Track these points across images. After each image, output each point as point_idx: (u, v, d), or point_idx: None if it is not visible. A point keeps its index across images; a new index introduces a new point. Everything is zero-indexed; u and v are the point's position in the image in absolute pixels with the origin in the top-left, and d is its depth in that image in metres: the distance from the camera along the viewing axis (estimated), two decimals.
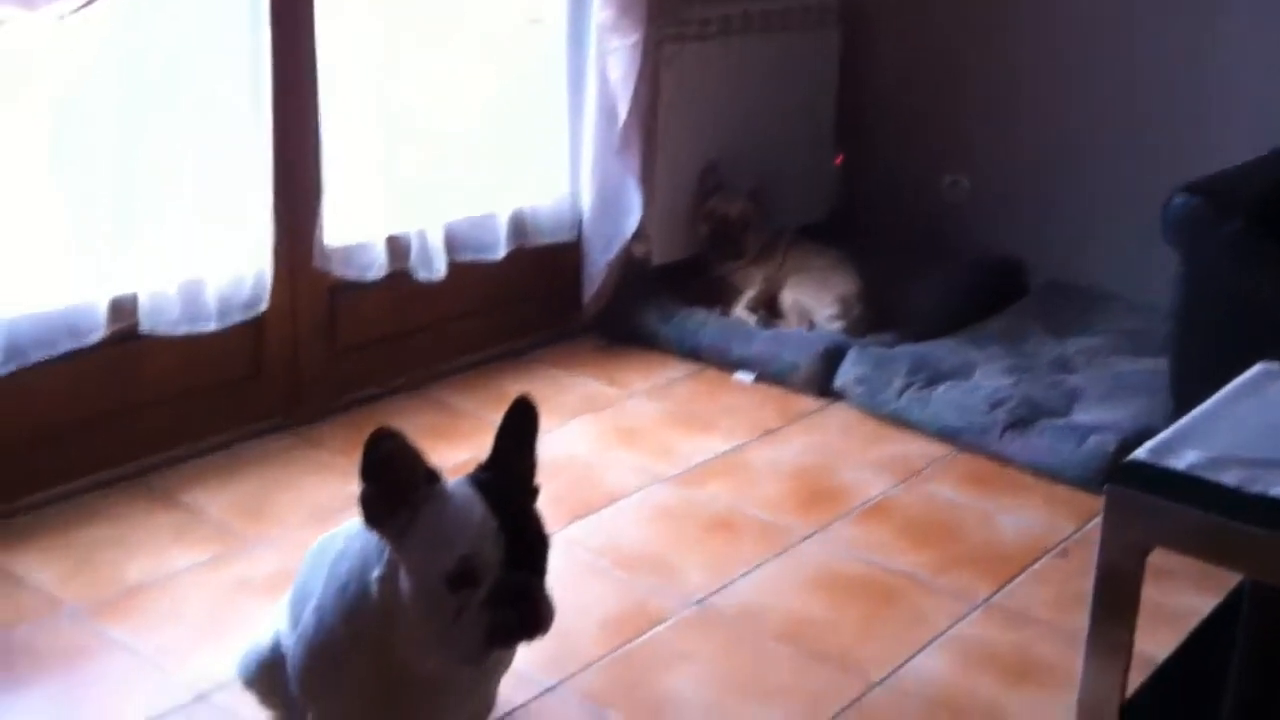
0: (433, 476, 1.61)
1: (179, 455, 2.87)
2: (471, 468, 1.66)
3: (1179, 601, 2.46)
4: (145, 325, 2.72)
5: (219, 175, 2.79)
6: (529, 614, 1.58)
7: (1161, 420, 2.68)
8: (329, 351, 3.14)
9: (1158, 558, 1.77)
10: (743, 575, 2.55)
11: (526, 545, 1.60)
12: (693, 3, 3.70)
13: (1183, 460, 1.87)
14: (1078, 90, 3.89)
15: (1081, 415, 3.10)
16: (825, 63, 4.18)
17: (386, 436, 1.58)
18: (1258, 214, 2.79)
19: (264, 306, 2.90)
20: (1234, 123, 3.59)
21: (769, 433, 3.19)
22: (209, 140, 2.76)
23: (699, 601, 2.46)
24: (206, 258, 2.80)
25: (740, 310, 3.68)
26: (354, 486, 1.58)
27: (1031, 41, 3.96)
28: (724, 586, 2.51)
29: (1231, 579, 2.23)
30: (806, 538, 2.70)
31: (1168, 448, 1.91)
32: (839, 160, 4.30)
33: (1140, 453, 1.92)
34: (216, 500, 2.72)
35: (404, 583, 1.60)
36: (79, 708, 2.09)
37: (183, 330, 2.77)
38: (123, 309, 2.71)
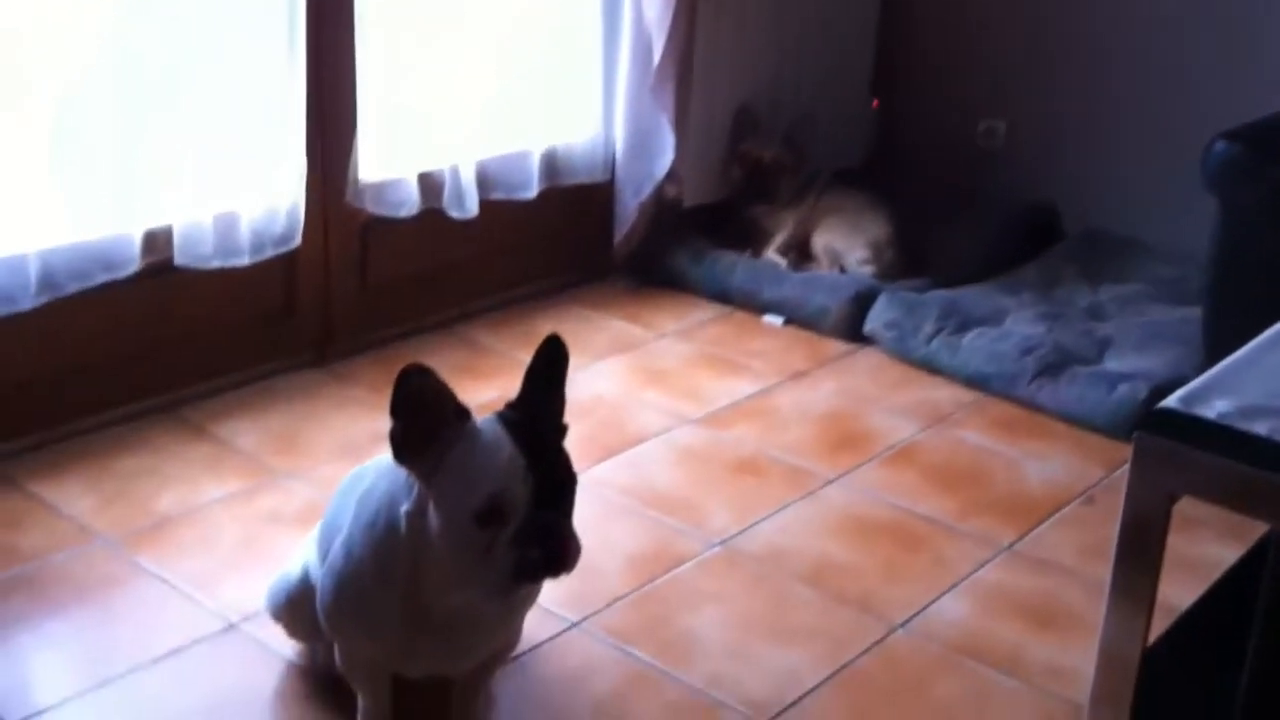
0: (462, 414, 1.63)
1: (212, 388, 2.90)
2: (500, 406, 1.67)
3: (1205, 551, 2.46)
4: (179, 258, 2.74)
5: (254, 109, 2.79)
6: (555, 551, 1.60)
7: (1193, 369, 2.66)
8: (360, 288, 3.15)
9: (1185, 506, 1.77)
10: (767, 517, 2.56)
11: (554, 484, 1.61)
12: None
13: (1213, 409, 1.86)
14: (1117, 36, 3.83)
15: (1113, 363, 3.08)
16: (864, 5, 4.13)
17: (417, 373, 1.59)
18: None
19: (297, 242, 2.91)
20: (1271, 70, 3.53)
21: (797, 376, 3.19)
22: (244, 73, 2.76)
23: (723, 542, 2.47)
24: (241, 192, 2.81)
25: (771, 253, 3.67)
26: (384, 422, 1.60)
27: None
28: (749, 528, 2.52)
29: (1258, 529, 2.23)
30: (832, 481, 2.71)
31: (1198, 396, 1.90)
32: (875, 104, 4.26)
33: (1170, 401, 1.91)
34: (248, 433, 2.75)
35: (432, 519, 1.62)
36: (111, 635, 2.12)
37: (216, 264, 2.78)
38: (157, 241, 2.72)
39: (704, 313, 3.52)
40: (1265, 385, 1.94)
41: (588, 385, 3.03)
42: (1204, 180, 2.85)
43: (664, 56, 3.42)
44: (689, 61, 3.55)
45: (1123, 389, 2.91)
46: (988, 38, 4.08)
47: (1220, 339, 2.73)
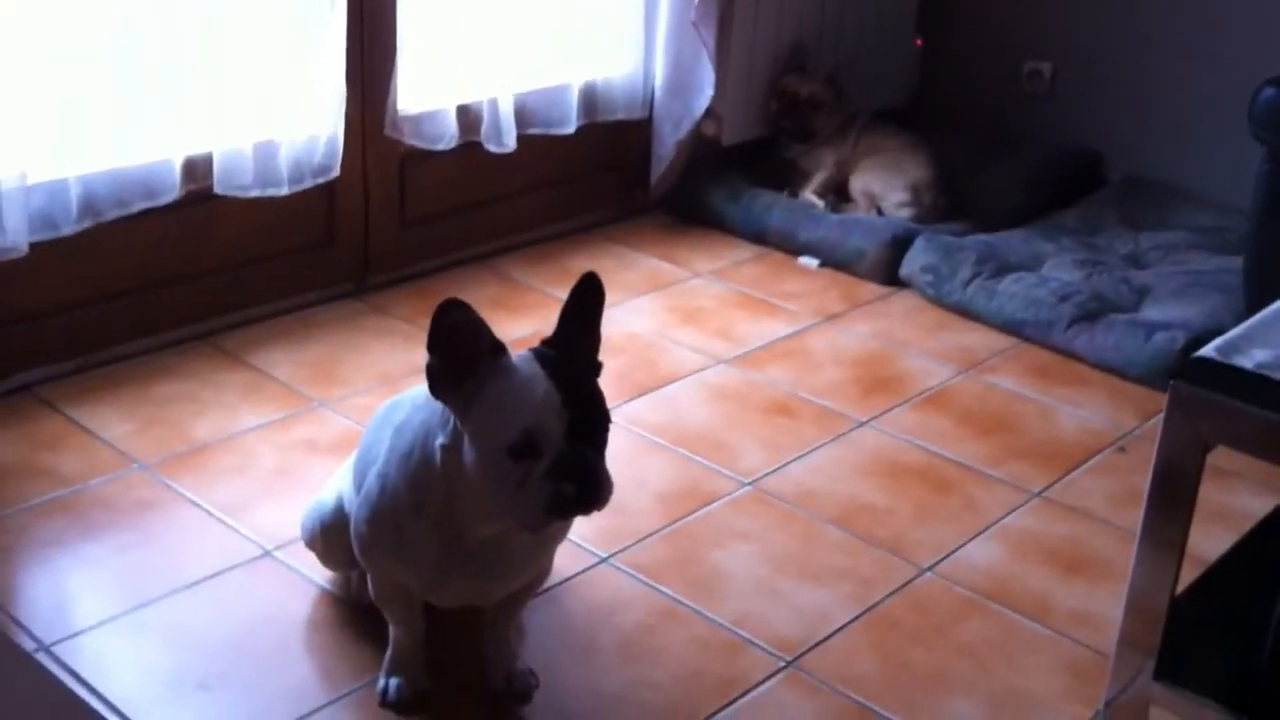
0: (498, 349, 1.63)
1: (250, 317, 2.92)
2: (535, 341, 1.68)
3: (1237, 501, 2.45)
4: (219, 187, 2.75)
5: (295, 38, 2.78)
6: (589, 487, 1.61)
7: (1233, 320, 2.64)
8: (399, 220, 3.16)
9: (1218, 457, 1.76)
10: (798, 458, 2.57)
11: (588, 420, 1.62)
12: None
13: (1250, 359, 1.84)
14: None
15: (1151, 312, 3.06)
16: None
17: (454, 307, 1.59)
18: None
19: (336, 172, 2.91)
20: None
21: (832, 318, 3.18)
22: (284, 2, 2.75)
23: (754, 482, 2.48)
24: (281, 121, 2.81)
25: (809, 194, 3.65)
26: (420, 353, 1.61)
27: None
28: (779, 468, 2.53)
29: None
30: (864, 424, 2.71)
31: (1236, 346, 1.88)
32: (919, 43, 4.20)
33: (1207, 350, 1.89)
34: (285, 362, 2.78)
35: (467, 452, 1.63)
36: (147, 559, 2.16)
37: (254, 193, 2.79)
38: (197, 170, 2.73)
39: (740, 253, 3.51)
40: None
41: (622, 323, 3.04)
42: (1251, 127, 2.81)
43: None
44: None
45: (1160, 337, 2.89)
46: None
47: (1261, 289, 2.71)
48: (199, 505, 2.30)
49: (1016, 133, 3.98)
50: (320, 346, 2.85)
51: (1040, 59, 4.05)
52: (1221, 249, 3.34)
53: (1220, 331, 2.07)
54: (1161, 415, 1.79)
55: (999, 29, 4.10)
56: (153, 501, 2.30)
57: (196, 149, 2.72)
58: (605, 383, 1.69)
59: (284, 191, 2.82)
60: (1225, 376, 1.82)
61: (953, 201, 3.62)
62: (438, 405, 1.67)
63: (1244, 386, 1.80)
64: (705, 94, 3.53)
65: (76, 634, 1.98)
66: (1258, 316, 1.99)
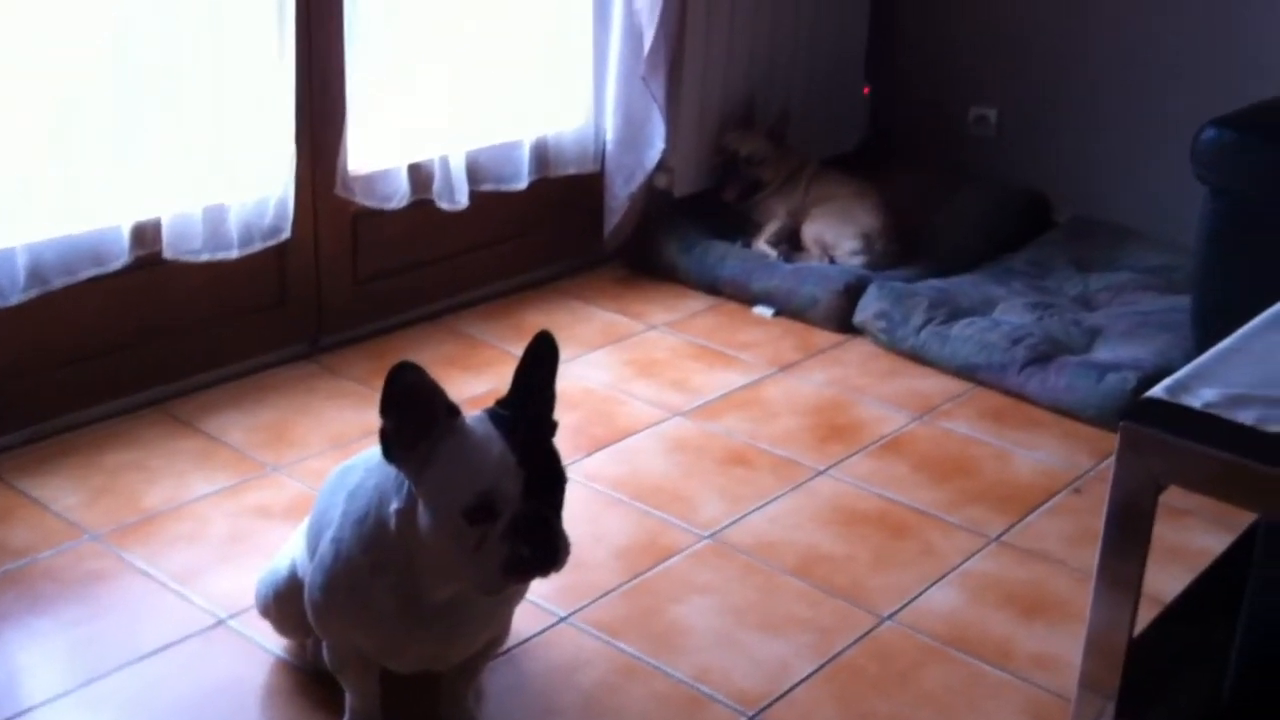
0: (452, 410, 1.63)
1: (201, 382, 2.89)
2: (491, 399, 1.68)
3: (1192, 540, 2.47)
4: (168, 251, 2.73)
5: (243, 99, 2.78)
6: (545, 548, 1.60)
7: (1183, 358, 2.66)
8: (351, 280, 3.15)
9: (1171, 496, 1.77)
10: (757, 509, 2.56)
11: (544, 480, 1.62)
12: None
13: (1199, 398, 1.86)
14: (1106, 24, 3.83)
15: (1102, 353, 3.08)
16: None
17: (407, 370, 1.59)
18: None
19: (286, 234, 2.90)
20: (1262, 57, 3.53)
21: (787, 367, 3.19)
22: (234, 64, 2.75)
23: (713, 534, 2.47)
24: (230, 184, 2.80)
25: (762, 243, 3.67)
26: (374, 415, 1.60)
27: None
28: (738, 520, 2.52)
29: (1245, 518, 2.23)
30: (822, 472, 2.71)
31: (1184, 385, 1.90)
32: (866, 92, 4.25)
33: (1156, 390, 1.91)
34: (237, 427, 2.75)
35: (422, 516, 1.62)
36: (99, 632, 2.12)
37: (205, 257, 2.78)
38: (145, 235, 2.71)
39: (695, 303, 3.52)
40: (1251, 374, 1.94)
41: (578, 377, 3.03)
42: (1194, 167, 2.85)
43: (655, 45, 3.41)
44: (680, 50, 3.55)
45: (1111, 378, 2.91)
46: (978, 26, 4.07)
47: (1209, 327, 2.74)
48: (151, 575, 2.26)
49: (965, 176, 4.02)
50: (273, 410, 2.83)
51: (986, 104, 4.11)
52: (1170, 288, 3.37)
53: (1171, 371, 2.08)
54: (1114, 456, 1.81)
55: (945, 76, 4.16)
56: (104, 573, 2.27)
57: (145, 214, 2.71)
58: (562, 438, 1.68)
59: (234, 255, 2.81)
60: (1174, 416, 1.84)
61: (904, 247, 3.64)
62: (391, 469, 1.66)
63: (1193, 426, 1.82)
64: (656, 147, 3.55)
65: (27, 710, 1.94)
66: (1205, 356, 2.02)
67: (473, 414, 1.65)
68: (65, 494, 2.48)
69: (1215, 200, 2.85)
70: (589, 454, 2.72)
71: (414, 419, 1.60)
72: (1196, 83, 3.64)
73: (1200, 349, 2.11)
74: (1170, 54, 3.73)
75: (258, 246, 2.86)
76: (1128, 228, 3.79)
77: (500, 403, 1.68)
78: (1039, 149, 4.01)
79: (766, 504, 2.58)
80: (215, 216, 2.78)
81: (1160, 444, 1.81)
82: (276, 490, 2.53)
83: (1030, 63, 4.00)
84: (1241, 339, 2.06)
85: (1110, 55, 3.84)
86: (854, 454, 2.79)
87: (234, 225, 2.81)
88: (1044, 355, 3.04)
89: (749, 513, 2.55)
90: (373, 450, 1.71)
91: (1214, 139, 2.80)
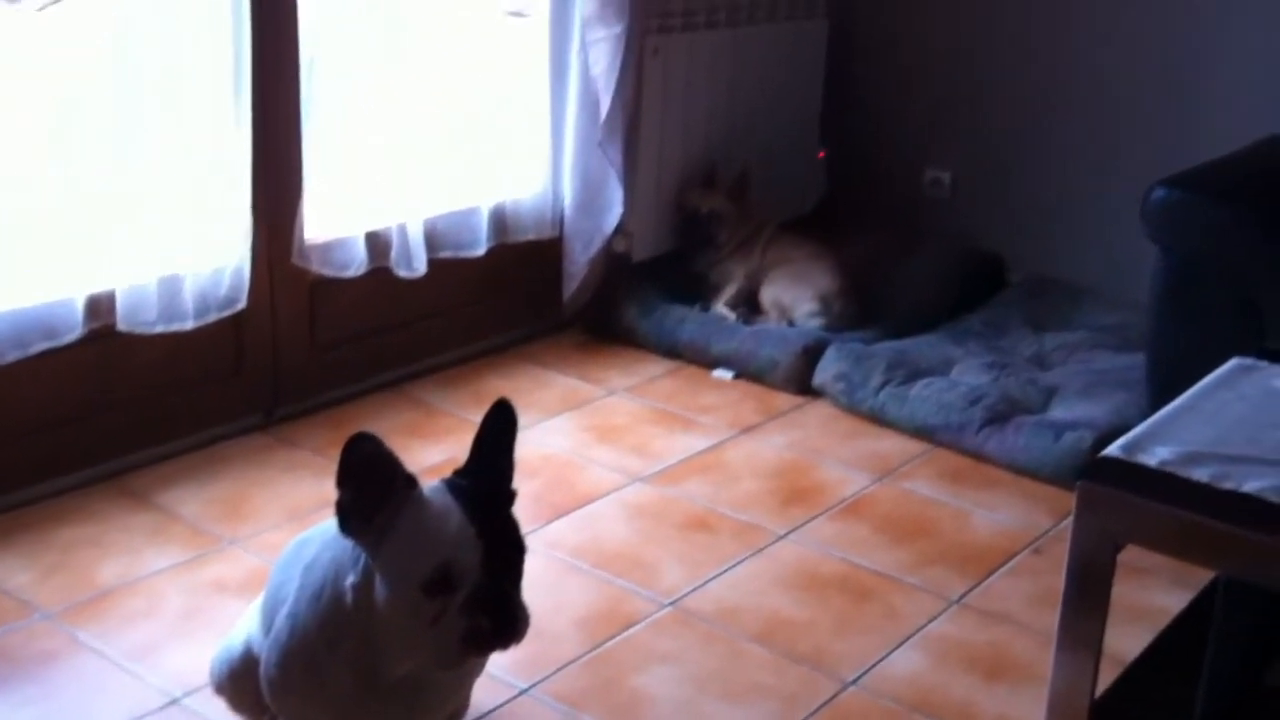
0: (410, 482, 1.61)
1: (156, 454, 2.86)
2: (449, 468, 1.66)
3: (1152, 599, 2.47)
4: (122, 324, 2.71)
5: (198, 169, 2.77)
6: (505, 621, 1.59)
7: (1138, 416, 2.68)
8: (308, 349, 3.13)
9: (1131, 555, 1.78)
10: (719, 574, 2.55)
11: (503, 552, 1.60)
12: None
13: (1155, 456, 1.88)
14: (1057, 88, 3.90)
15: (1059, 411, 3.10)
16: (812, 55, 4.17)
17: (363, 441, 1.58)
18: (1238, 205, 2.79)
19: (242, 304, 2.89)
20: (1211, 118, 3.60)
21: (748, 430, 3.19)
22: (188, 134, 2.75)
23: (674, 601, 2.46)
24: (185, 254, 2.79)
25: (721, 306, 3.68)
26: (331, 486, 1.58)
27: (1014, 38, 3.96)
28: (700, 586, 2.51)
29: (1204, 575, 2.24)
30: (783, 536, 2.70)
31: (1140, 444, 1.91)
32: (822, 155, 4.29)
33: (1112, 449, 1.92)
34: (193, 500, 2.72)
35: (379, 590, 1.60)
36: (51, 712, 2.07)
37: (159, 329, 2.76)
38: (100, 307, 2.69)
39: (655, 367, 3.52)
40: (1206, 431, 1.96)
41: (537, 443, 3.02)
42: (1144, 226, 2.89)
43: (611, 111, 3.44)
44: (637, 116, 3.57)
45: (1068, 437, 2.93)
46: (932, 90, 4.13)
47: (1163, 385, 2.76)
48: (104, 654, 2.22)
49: (921, 238, 4.06)
50: (228, 482, 2.80)
51: (940, 167, 4.16)
52: (1124, 346, 3.40)
53: (1127, 428, 2.10)
54: (1072, 516, 1.81)
55: (899, 139, 4.21)
56: (56, 652, 2.22)
57: (99, 286, 2.69)
58: (521, 506, 1.67)
59: (189, 326, 2.79)
60: (1131, 475, 1.85)
61: (862, 309, 3.67)
62: (348, 542, 1.64)
63: (1149, 484, 1.83)
64: (614, 211, 3.57)
65: None
66: (1160, 413, 2.03)
67: (430, 484, 1.64)
68: (17, 571, 2.43)
69: (1166, 259, 2.88)
70: (548, 522, 2.70)
71: (371, 491, 1.59)
72: (1147, 143, 3.70)
73: (1155, 407, 2.12)
74: (1121, 115, 3.79)
75: (213, 317, 2.84)
76: (1082, 287, 3.83)
77: (458, 472, 1.66)
78: (993, 210, 4.06)
79: (728, 569, 2.57)
80: (170, 288, 2.76)
81: (1117, 503, 1.82)
82: (232, 564, 2.50)
83: (983, 125, 4.06)
84: (1195, 397, 2.08)
85: (1061, 117, 3.90)
86: (815, 517, 2.78)
87: (189, 296, 2.79)
88: (1001, 415, 3.06)
89: (710, 579, 2.53)
90: (329, 523, 1.69)
91: (1163, 198, 2.84)
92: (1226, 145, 3.16)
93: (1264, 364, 2.18)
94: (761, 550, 2.65)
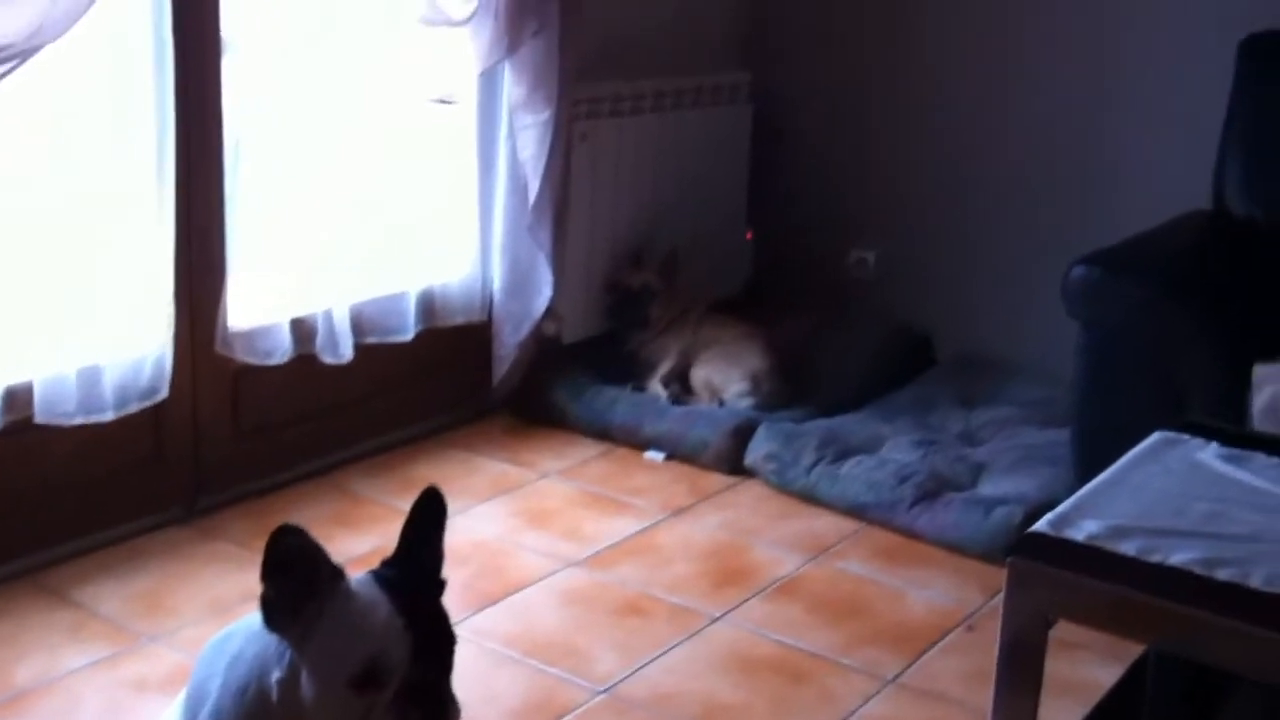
0: (336, 574, 1.58)
1: (74, 549, 2.78)
2: (377, 558, 1.63)
3: (1085, 674, 2.47)
4: (40, 416, 2.65)
5: (119, 258, 2.74)
6: (436, 716, 1.55)
7: (1066, 491, 2.70)
8: (232, 438, 3.08)
9: (1063, 630, 1.78)
10: (653, 659, 2.52)
11: (433, 643, 1.57)
12: (606, 79, 3.73)
13: (1082, 531, 1.89)
14: (980, 166, 3.97)
15: (988, 487, 3.12)
16: (736, 140, 4.23)
17: (288, 533, 1.54)
18: (1155, 282, 2.85)
19: (163, 394, 2.84)
20: (1128, 198, 3.68)
21: (680, 512, 3.17)
22: (108, 221, 2.72)
23: (608, 689, 2.42)
24: (105, 344, 2.74)
25: (655, 383, 3.68)
26: (254, 578, 1.54)
27: (935, 120, 4.04)
28: (634, 672, 2.47)
29: (1136, 649, 2.25)
30: (717, 619, 2.68)
31: (1068, 518, 1.93)
32: (749, 236, 4.34)
33: (1040, 524, 1.94)
34: (112, 596, 2.64)
35: (306, 686, 1.56)
36: None
37: (79, 420, 2.70)
38: (16, 399, 2.63)
39: (586, 450, 3.50)
40: (1132, 505, 1.98)
41: (467, 530, 2.98)
42: (1065, 303, 2.94)
43: (540, 195, 3.45)
44: (566, 199, 3.59)
45: (998, 513, 2.94)
46: (854, 172, 4.20)
47: (1089, 459, 2.79)
48: None
49: (847, 316, 4.10)
50: (149, 576, 2.73)
51: (864, 247, 4.21)
52: (1050, 421, 3.44)
53: (1055, 503, 2.12)
54: (1004, 592, 1.82)
55: (824, 221, 4.26)
56: None
57: (16, 377, 2.63)
58: (451, 594, 1.64)
59: (109, 417, 2.74)
60: (1059, 550, 1.86)
61: (792, 388, 3.68)
62: (273, 636, 1.60)
63: (1078, 559, 1.84)
64: (544, 294, 3.56)
65: None
66: (1086, 488, 2.05)
67: (357, 576, 1.61)
68: None
69: (1089, 335, 2.93)
70: (479, 610, 2.65)
71: (295, 584, 1.55)
72: (1068, 220, 3.78)
73: (1082, 481, 2.15)
74: (1042, 192, 3.87)
75: (134, 408, 2.79)
76: (1007, 363, 3.88)
77: (386, 563, 1.63)
78: (917, 289, 4.11)
79: (663, 654, 2.54)
80: (89, 378, 2.71)
81: (1047, 578, 1.83)
82: (153, 662, 2.42)
83: (905, 206, 4.12)
84: (1120, 470, 2.11)
85: (983, 196, 3.97)
86: (749, 598, 2.77)
87: (109, 387, 2.74)
88: (931, 492, 3.07)
89: (645, 664, 2.50)
90: (253, 617, 1.65)
91: (1083, 276, 2.89)
92: (1146, 221, 3.24)
93: (1186, 437, 2.21)
94: (696, 633, 2.62)
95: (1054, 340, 3.43)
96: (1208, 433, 2.22)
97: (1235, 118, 3.34)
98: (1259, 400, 2.61)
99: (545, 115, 3.39)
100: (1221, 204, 3.35)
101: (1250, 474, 2.07)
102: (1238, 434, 2.28)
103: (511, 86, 3.39)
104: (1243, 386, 2.66)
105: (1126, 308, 2.86)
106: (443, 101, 3.24)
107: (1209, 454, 2.14)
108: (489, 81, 3.44)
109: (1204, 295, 2.87)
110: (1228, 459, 2.12)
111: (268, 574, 1.55)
